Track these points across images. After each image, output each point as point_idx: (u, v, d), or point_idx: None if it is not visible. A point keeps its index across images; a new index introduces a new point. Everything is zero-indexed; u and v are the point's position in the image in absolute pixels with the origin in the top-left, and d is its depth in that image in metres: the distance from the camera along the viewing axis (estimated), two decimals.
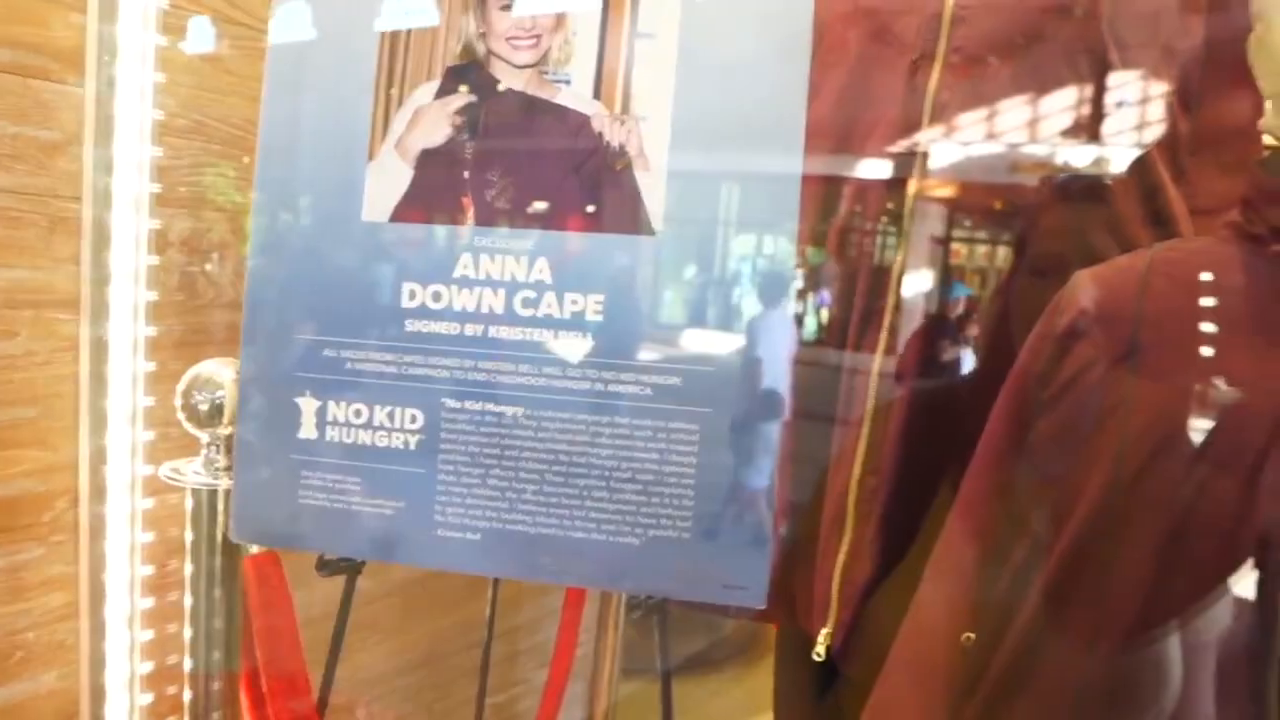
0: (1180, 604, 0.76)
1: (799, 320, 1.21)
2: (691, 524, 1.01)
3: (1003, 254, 1.10)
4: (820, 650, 1.16)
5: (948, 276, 1.09)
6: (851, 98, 1.16)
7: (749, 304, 1.00)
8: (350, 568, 1.14)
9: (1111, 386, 0.82)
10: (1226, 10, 1.05)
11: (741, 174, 1.00)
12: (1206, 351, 0.78)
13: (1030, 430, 0.89)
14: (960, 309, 1.10)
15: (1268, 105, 0.80)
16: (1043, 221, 1.08)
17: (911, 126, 1.11)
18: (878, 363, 1.10)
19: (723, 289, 1.00)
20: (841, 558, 1.13)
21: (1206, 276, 0.82)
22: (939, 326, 1.10)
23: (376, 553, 1.10)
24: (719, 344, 1.00)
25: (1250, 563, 0.72)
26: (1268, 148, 0.80)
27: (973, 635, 0.92)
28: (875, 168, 1.13)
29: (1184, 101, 1.08)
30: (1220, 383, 0.76)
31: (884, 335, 1.10)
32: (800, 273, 1.20)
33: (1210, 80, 1.06)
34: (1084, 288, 0.88)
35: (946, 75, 1.10)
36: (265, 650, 1.19)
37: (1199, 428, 0.76)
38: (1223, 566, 0.73)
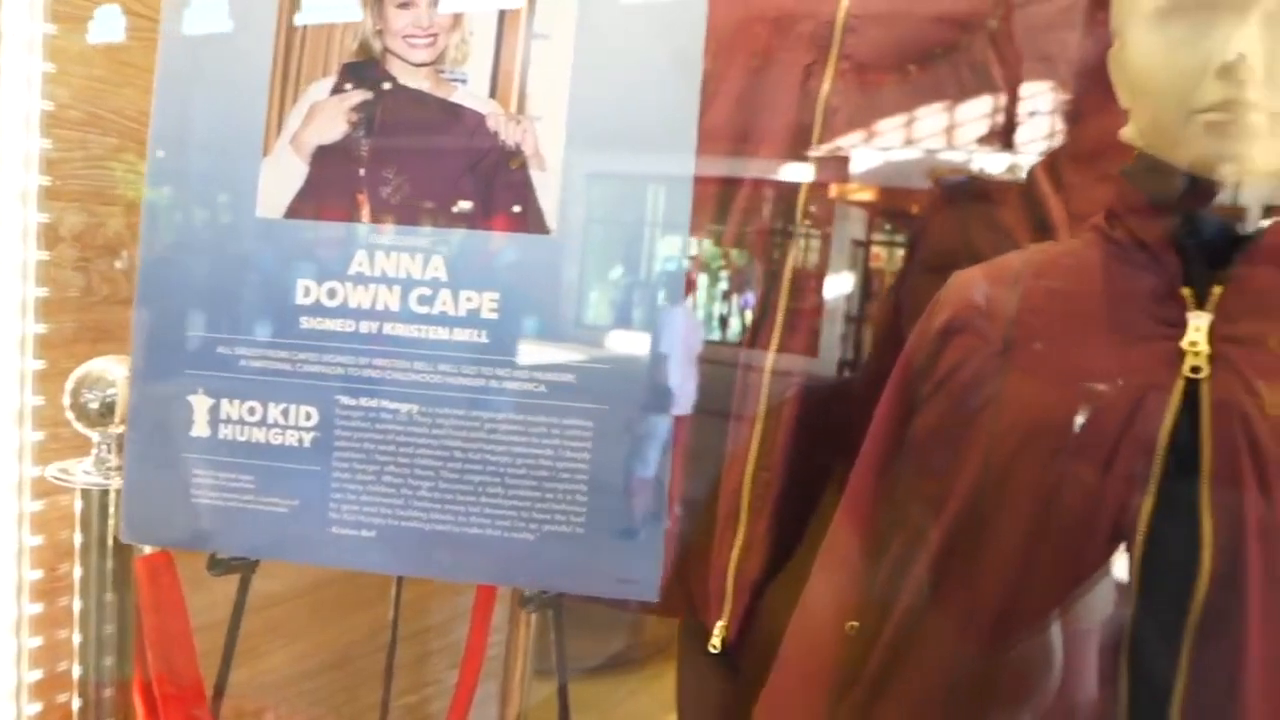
0: (1046, 591, 0.79)
1: (694, 318, 1.23)
2: (585, 519, 1.02)
3: (895, 254, 1.13)
4: (716, 642, 1.18)
5: (840, 276, 1.13)
6: (748, 102, 1.19)
7: (643, 302, 1.01)
8: (244, 566, 1.13)
9: (984, 381, 0.85)
10: (1100, 27, 1.10)
11: (635, 174, 1.01)
12: (1069, 348, 0.82)
13: (910, 424, 0.92)
14: (851, 307, 1.13)
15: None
16: (931, 224, 1.12)
17: (803, 131, 1.14)
18: (770, 360, 1.13)
19: (617, 287, 1.02)
20: (736, 551, 1.16)
21: (1072, 278, 0.86)
22: (831, 324, 1.13)
23: (271, 551, 1.09)
24: (613, 341, 1.01)
25: (1107, 550, 0.75)
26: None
27: (856, 624, 0.95)
28: (769, 170, 1.15)
29: (1067, 114, 1.12)
30: (1080, 377, 0.80)
31: (777, 333, 1.13)
32: (694, 272, 1.23)
33: (1089, 94, 1.11)
34: (960, 287, 0.92)
35: (838, 82, 1.13)
36: (158, 654, 1.18)
37: (1062, 420, 0.79)
38: (1084, 554, 0.76)
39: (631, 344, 1.01)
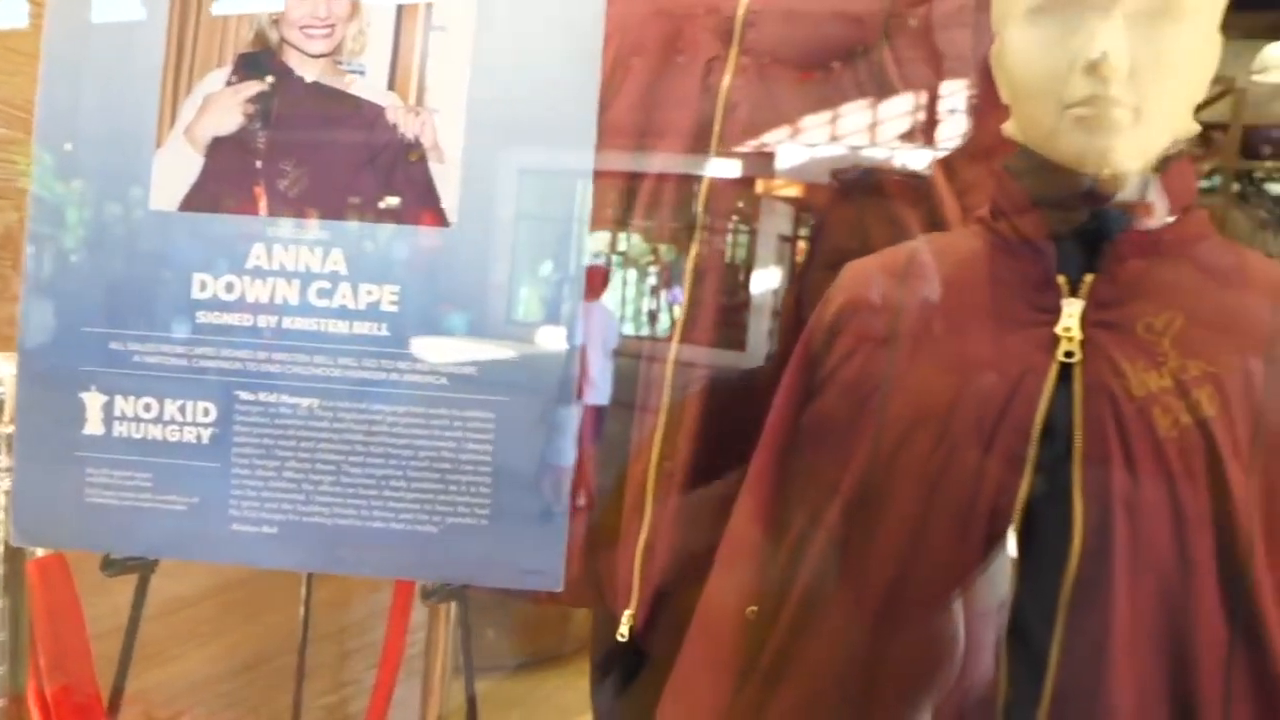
0: (934, 573, 0.82)
1: (603, 312, 1.24)
2: (489, 510, 1.02)
3: (796, 248, 1.16)
4: (624, 631, 1.20)
5: (743, 268, 1.14)
6: (650, 97, 1.20)
7: (543, 294, 1.02)
8: (141, 566, 1.10)
9: (873, 370, 0.88)
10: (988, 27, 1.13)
11: (536, 167, 1.02)
12: (953, 336, 0.85)
13: (805, 413, 0.94)
14: (752, 299, 1.15)
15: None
16: (830, 219, 1.14)
17: (704, 125, 1.15)
18: (673, 351, 1.14)
19: (517, 280, 1.02)
20: (641, 541, 1.17)
21: (957, 268, 0.89)
22: (734, 316, 1.14)
23: (169, 550, 1.07)
24: (514, 333, 1.02)
25: (988, 530, 0.78)
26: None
27: (755, 609, 0.97)
28: (671, 164, 1.17)
29: (962, 112, 1.16)
30: (963, 364, 0.83)
31: (679, 326, 1.14)
32: (608, 266, 1.24)
33: (983, 92, 1.14)
34: (851, 278, 0.94)
35: (738, 77, 1.15)
36: (52, 662, 1.15)
37: (945, 406, 0.82)
38: (967, 536, 0.79)
39: (533, 336, 1.02)
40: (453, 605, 2.23)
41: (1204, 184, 4.08)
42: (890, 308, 0.89)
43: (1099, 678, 0.75)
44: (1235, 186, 3.85)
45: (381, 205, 1.01)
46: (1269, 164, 4.26)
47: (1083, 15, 0.77)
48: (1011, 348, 0.81)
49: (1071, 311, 0.80)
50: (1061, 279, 0.81)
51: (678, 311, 1.18)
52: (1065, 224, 0.81)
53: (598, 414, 1.25)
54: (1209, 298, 0.80)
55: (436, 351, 1.01)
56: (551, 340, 1.02)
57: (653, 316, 1.28)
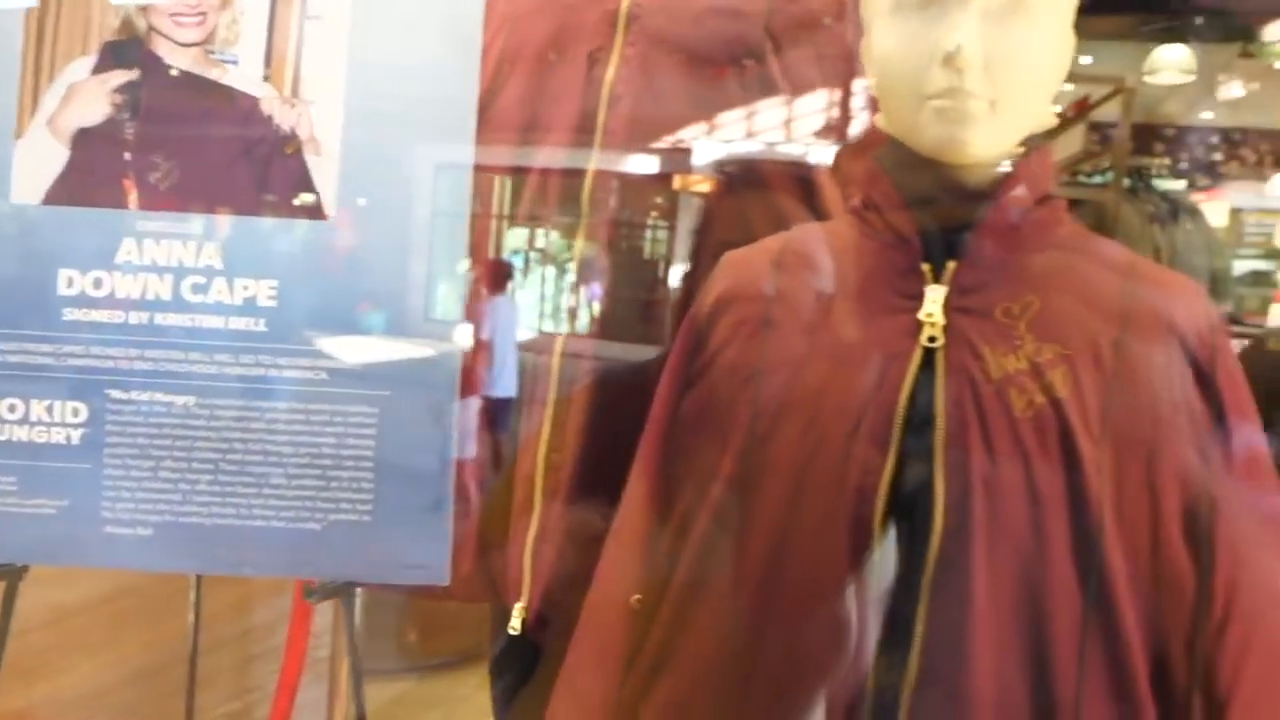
0: (808, 558, 0.83)
1: (498, 304, 1.24)
2: (372, 507, 1.02)
3: (681, 241, 1.16)
4: (515, 624, 1.19)
5: (631, 261, 1.15)
6: (536, 91, 1.20)
7: (424, 287, 1.01)
8: (9, 574, 1.07)
9: (748, 357, 0.89)
10: None
11: (415, 160, 1.01)
12: (824, 323, 0.86)
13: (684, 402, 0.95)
14: (637, 292, 1.16)
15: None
16: (715, 211, 1.16)
17: (588, 118, 1.15)
18: (560, 344, 1.14)
19: (398, 273, 1.01)
20: (531, 534, 1.17)
21: (830, 257, 0.90)
22: (624, 309, 1.15)
23: (38, 556, 1.04)
24: (395, 327, 1.01)
25: (855, 514, 0.80)
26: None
27: (639, 598, 0.97)
28: (556, 158, 1.17)
29: (843, 105, 1.18)
30: (833, 350, 0.84)
31: (566, 319, 1.14)
32: (498, 259, 1.23)
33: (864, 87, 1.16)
34: (728, 267, 0.95)
35: (622, 69, 1.15)
36: None
37: (816, 392, 0.83)
38: (836, 521, 0.80)
39: (413, 329, 1.01)
40: (356, 605, 2.20)
41: (1097, 179, 4.22)
42: (764, 296, 0.90)
43: (960, 654, 0.77)
44: (1126, 182, 3.99)
45: (257, 198, 0.99)
46: (1157, 160, 4.43)
47: (942, 9, 0.79)
48: (878, 334, 0.83)
49: (934, 298, 0.82)
50: (926, 267, 0.83)
51: (596, 308, 1.18)
52: (930, 213, 0.84)
53: (497, 408, 1.25)
54: (1064, 283, 0.82)
55: (316, 346, 1.00)
56: (435, 335, 1.01)
57: (572, 313, 1.27)
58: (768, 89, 1.15)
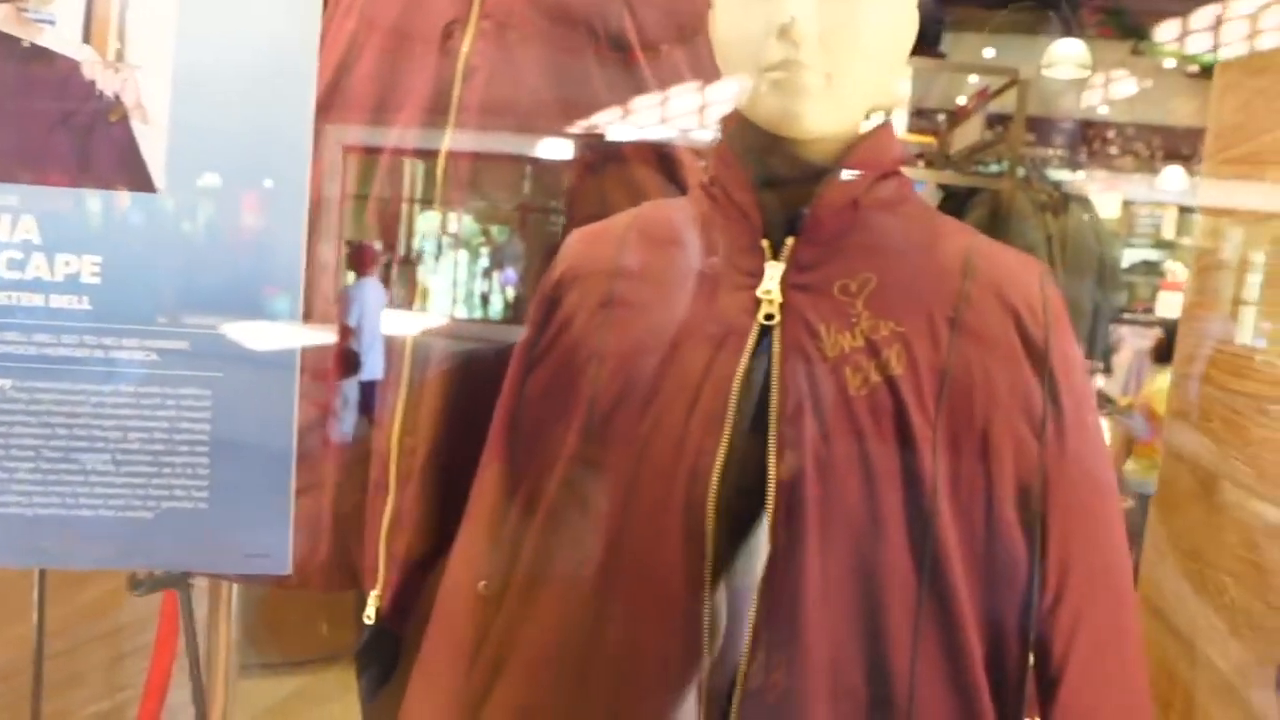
0: (645, 536, 0.81)
1: (365, 286, 1.19)
2: (208, 493, 0.97)
3: (536, 217, 1.14)
4: (370, 613, 1.16)
5: (483, 239, 1.12)
6: (388, 63, 1.15)
7: (259, 263, 0.96)
8: None
9: (589, 336, 0.87)
10: None
11: (250, 131, 0.96)
12: (665, 301, 0.84)
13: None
14: (504, 271, 1.13)
15: None
16: (577, 188, 1.13)
17: (443, 91, 1.12)
18: (412, 326, 1.11)
19: (230, 248, 0.96)
20: (386, 519, 1.13)
21: (675, 233, 0.88)
22: (482, 288, 1.12)
23: None
24: (228, 305, 0.96)
25: (689, 495, 0.78)
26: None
27: (485, 584, 0.94)
28: (410, 132, 1.13)
29: (701, 80, 1.16)
30: (673, 329, 0.82)
31: (419, 301, 1.11)
32: (362, 243, 1.19)
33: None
34: (572, 244, 0.93)
35: (478, 41, 1.11)
36: None
37: (654, 371, 0.82)
38: (670, 501, 0.79)
39: (247, 307, 0.96)
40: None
41: (993, 168, 4.31)
42: (608, 273, 0.88)
43: (795, 639, 0.76)
44: (1020, 171, 4.08)
45: (78, 168, 0.94)
46: (1049, 151, 4.54)
47: None
48: (718, 312, 0.81)
49: (772, 275, 0.80)
50: (765, 243, 0.82)
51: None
52: (771, 189, 0.82)
53: (358, 391, 1.21)
54: (903, 260, 0.82)
55: (145, 325, 0.95)
56: (271, 313, 0.97)
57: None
58: (629, 63, 1.13)
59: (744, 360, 0.79)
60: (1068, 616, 0.81)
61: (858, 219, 0.82)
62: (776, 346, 0.79)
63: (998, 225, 3.97)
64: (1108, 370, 4.17)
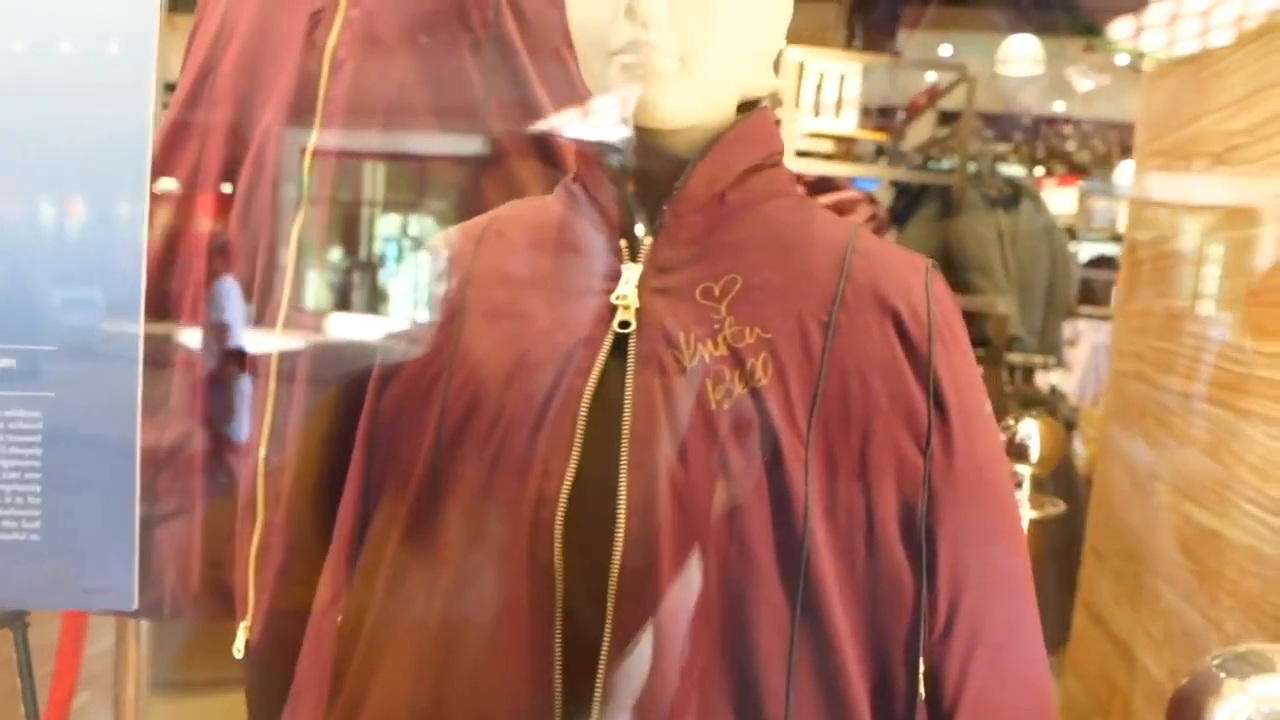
0: (496, 560, 0.74)
1: (220, 292, 1.12)
2: (41, 524, 0.89)
3: (412, 218, 1.06)
4: (239, 646, 1.08)
5: (353, 241, 1.04)
6: (252, 58, 1.08)
7: (93, 274, 0.88)
8: None
9: (441, 348, 0.79)
10: None
11: (82, 126, 0.88)
12: (518, 308, 0.77)
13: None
14: (367, 275, 1.05)
15: None
16: (444, 184, 1.06)
17: (309, 84, 1.04)
18: (278, 336, 1.03)
19: (64, 258, 0.88)
20: (254, 544, 1.06)
21: (533, 234, 0.81)
22: (342, 295, 1.04)
23: None
24: (59, 320, 0.88)
25: (534, 519, 0.71)
26: None
27: (343, 616, 0.87)
28: (275, 125, 1.05)
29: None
30: (524, 338, 0.75)
31: (285, 306, 1.03)
32: (219, 240, 1.11)
33: None
34: (431, 249, 0.86)
35: (345, 33, 1.04)
36: None
37: (502, 385, 0.74)
38: (518, 526, 0.71)
39: (82, 322, 0.88)
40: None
41: (945, 164, 4.28)
42: (460, 279, 0.80)
43: (653, 675, 0.69)
44: (972, 167, 4.05)
45: None
46: (999, 147, 4.51)
47: None
48: (570, 319, 0.74)
49: (629, 278, 0.74)
50: (624, 243, 0.75)
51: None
52: (627, 182, 0.75)
53: (220, 406, 1.13)
54: (773, 260, 0.75)
55: None
56: (104, 326, 0.89)
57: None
58: (506, 51, 1.05)
59: (595, 373, 0.71)
60: (961, 644, 0.75)
61: (724, 215, 0.76)
62: (631, 358, 0.72)
63: (949, 222, 3.95)
64: (1061, 365, 4.15)
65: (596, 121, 0.79)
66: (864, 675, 0.73)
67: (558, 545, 0.69)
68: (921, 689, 0.75)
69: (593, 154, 0.78)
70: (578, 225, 0.78)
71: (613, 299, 0.73)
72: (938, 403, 0.74)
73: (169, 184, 1.12)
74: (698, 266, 0.74)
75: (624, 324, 0.72)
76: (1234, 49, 1.37)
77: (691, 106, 0.72)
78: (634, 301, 0.73)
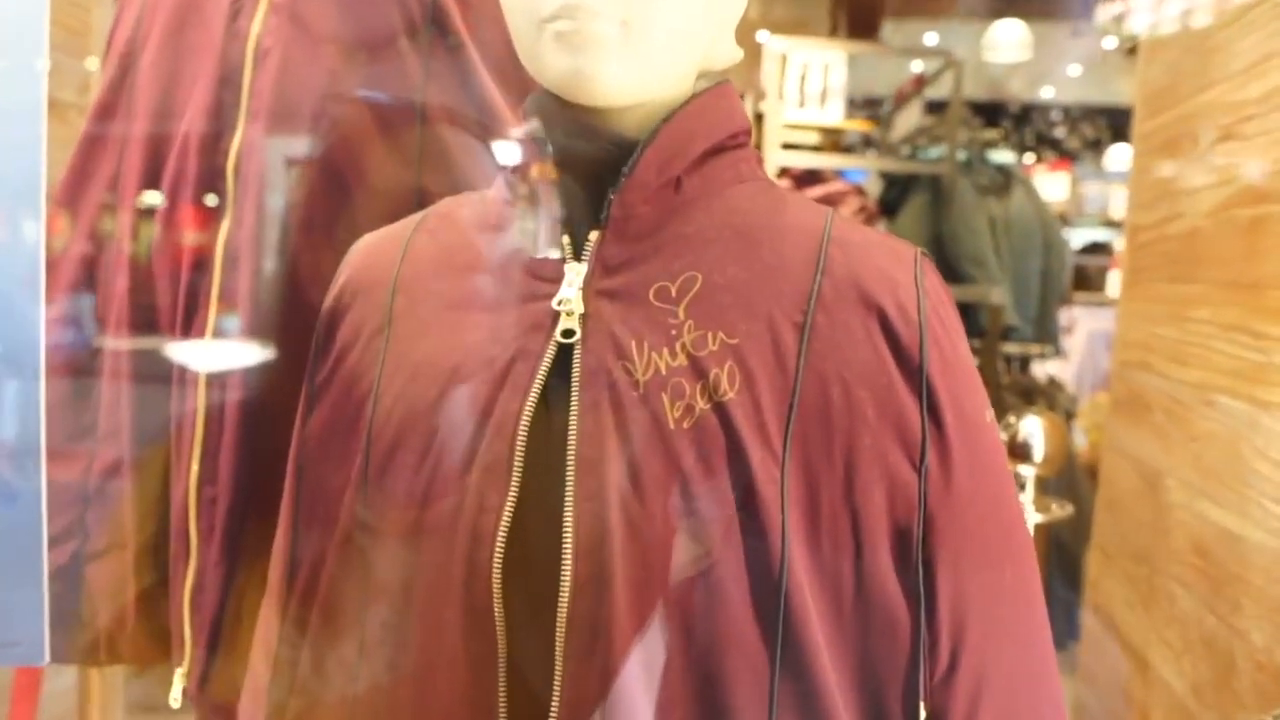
0: (428, 611, 0.64)
1: (87, 307, 1.02)
2: None
3: (343, 217, 0.96)
4: (176, 695, 0.98)
5: (282, 244, 0.94)
6: (172, 50, 0.98)
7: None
8: None
9: (367, 366, 0.70)
10: None
11: None
12: (446, 318, 0.68)
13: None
14: (296, 279, 0.95)
15: None
16: (381, 182, 0.96)
17: (232, 75, 0.95)
18: (205, 355, 0.93)
19: None
20: (189, 582, 0.96)
21: (467, 234, 0.72)
22: (272, 306, 0.94)
23: None
24: None
25: (469, 560, 0.61)
26: None
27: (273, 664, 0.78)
28: (196, 124, 0.95)
29: None
30: (453, 353, 0.66)
31: (211, 319, 0.94)
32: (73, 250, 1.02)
33: None
34: (354, 255, 0.76)
35: (270, 19, 0.95)
36: None
37: (431, 407, 0.65)
38: (450, 568, 0.62)
39: None
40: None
41: (934, 153, 4.20)
42: (387, 287, 0.71)
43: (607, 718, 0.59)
44: (961, 155, 3.97)
45: None
46: (988, 134, 4.43)
47: None
48: (507, 330, 0.65)
49: (572, 280, 0.64)
50: (566, 239, 0.65)
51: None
52: (573, 171, 0.66)
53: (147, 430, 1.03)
54: (737, 254, 0.65)
55: None
56: (10, 349, 0.80)
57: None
58: (443, 28, 0.96)
59: (534, 390, 0.62)
60: (968, 686, 0.66)
61: (679, 204, 0.66)
62: (576, 372, 0.62)
63: (940, 211, 3.87)
64: (1058, 354, 4.07)
65: (532, 103, 0.69)
66: None
67: (496, 589, 0.60)
68: None
69: (529, 139, 0.68)
70: (515, 221, 0.69)
71: (554, 304, 0.63)
72: (932, 412, 0.64)
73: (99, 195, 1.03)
74: (651, 264, 0.64)
75: (567, 333, 0.63)
76: (1235, 15, 1.28)
77: (637, 80, 0.63)
78: (578, 307, 0.63)
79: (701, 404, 0.61)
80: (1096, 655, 1.71)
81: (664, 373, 0.61)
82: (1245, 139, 1.21)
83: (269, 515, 0.89)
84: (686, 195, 0.66)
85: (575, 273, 0.64)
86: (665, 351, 0.62)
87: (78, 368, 1.01)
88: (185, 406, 0.95)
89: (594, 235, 0.65)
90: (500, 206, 0.71)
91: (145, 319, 0.98)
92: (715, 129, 0.67)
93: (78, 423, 1.03)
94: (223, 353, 0.93)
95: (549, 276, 0.65)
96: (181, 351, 0.95)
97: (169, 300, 0.96)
